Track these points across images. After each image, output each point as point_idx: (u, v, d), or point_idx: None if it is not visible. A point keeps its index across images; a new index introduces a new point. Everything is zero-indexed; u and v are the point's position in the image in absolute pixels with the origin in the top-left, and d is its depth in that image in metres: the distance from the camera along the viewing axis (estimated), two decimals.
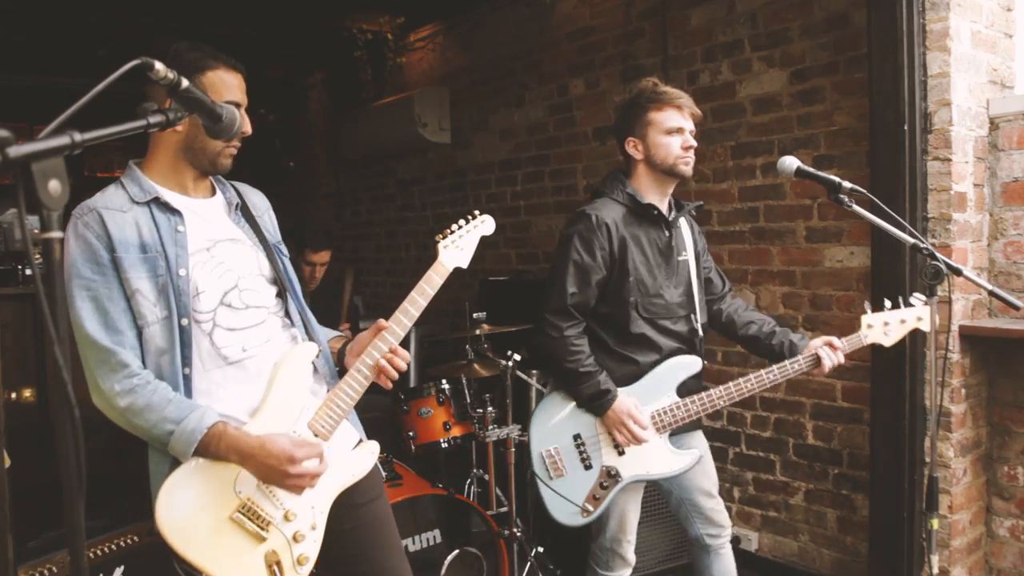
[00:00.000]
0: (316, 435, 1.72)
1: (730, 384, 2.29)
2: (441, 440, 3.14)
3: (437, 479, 3.12)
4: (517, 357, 3.16)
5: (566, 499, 2.25)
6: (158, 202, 1.69)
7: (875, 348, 2.90)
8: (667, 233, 2.37)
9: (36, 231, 0.90)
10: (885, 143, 2.88)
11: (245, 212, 1.88)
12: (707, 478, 2.49)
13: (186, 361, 1.66)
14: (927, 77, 2.82)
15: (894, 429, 2.89)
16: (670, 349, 2.35)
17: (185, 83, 1.30)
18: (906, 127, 2.80)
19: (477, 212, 1.96)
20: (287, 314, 1.85)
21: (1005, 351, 2.89)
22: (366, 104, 5.62)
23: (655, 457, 2.29)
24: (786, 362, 2.30)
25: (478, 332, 3.25)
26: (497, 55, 4.79)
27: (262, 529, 1.64)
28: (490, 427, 3.11)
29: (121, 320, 1.62)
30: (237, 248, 1.79)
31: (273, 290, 1.83)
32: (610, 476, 2.26)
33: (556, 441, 2.30)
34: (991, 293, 2.19)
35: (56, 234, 0.89)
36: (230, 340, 1.71)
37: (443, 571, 2.88)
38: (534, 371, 3.59)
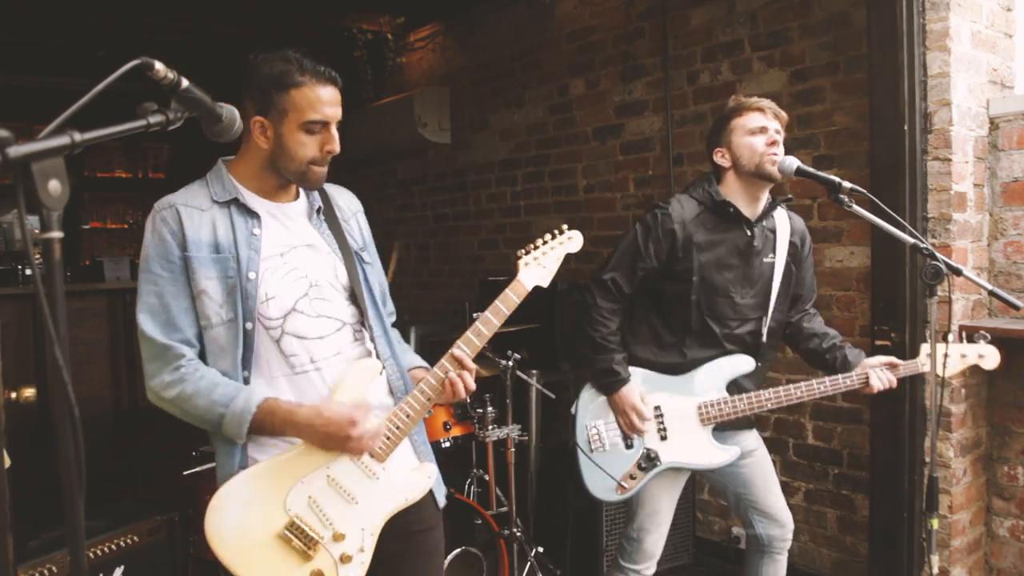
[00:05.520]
0: (371, 455, 1.68)
1: (779, 388, 2.29)
2: (441, 440, 3.14)
3: None
4: (517, 357, 3.16)
5: (605, 472, 2.25)
6: (237, 203, 1.68)
7: (874, 347, 2.92)
8: (749, 233, 2.33)
9: (36, 231, 0.90)
10: (885, 143, 2.88)
11: (329, 216, 1.82)
12: (764, 475, 2.48)
13: (246, 364, 1.65)
14: (927, 77, 2.82)
15: (894, 429, 2.89)
16: (725, 349, 2.34)
17: (185, 83, 1.30)
18: (906, 127, 2.80)
19: (565, 227, 1.91)
20: (364, 327, 1.77)
21: (1005, 351, 2.89)
22: (366, 104, 5.61)
23: (697, 447, 2.29)
24: (838, 376, 2.31)
25: None
26: (497, 55, 4.79)
27: (309, 548, 1.61)
28: (490, 427, 3.12)
29: (181, 319, 1.63)
30: (313, 254, 1.74)
31: (348, 300, 1.76)
32: (649, 459, 2.28)
33: (603, 417, 2.31)
34: (991, 293, 2.19)
35: (56, 234, 0.89)
36: (298, 348, 1.68)
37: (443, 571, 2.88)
38: (534, 371, 3.59)
